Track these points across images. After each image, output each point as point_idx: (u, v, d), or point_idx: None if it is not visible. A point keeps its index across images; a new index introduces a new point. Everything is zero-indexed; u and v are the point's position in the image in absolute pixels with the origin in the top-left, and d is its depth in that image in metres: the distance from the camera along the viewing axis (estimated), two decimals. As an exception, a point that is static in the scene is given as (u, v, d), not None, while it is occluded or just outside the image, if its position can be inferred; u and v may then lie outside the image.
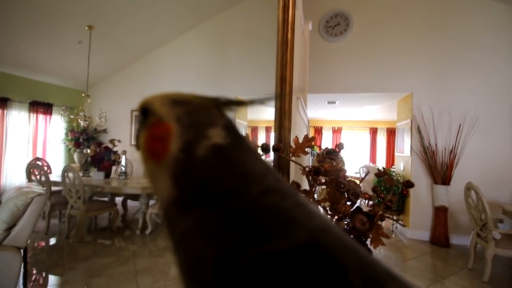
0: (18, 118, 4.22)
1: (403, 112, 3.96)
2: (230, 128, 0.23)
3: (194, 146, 0.20)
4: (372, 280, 0.14)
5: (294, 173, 0.84)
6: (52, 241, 3.19)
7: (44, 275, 2.40)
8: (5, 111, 4.02)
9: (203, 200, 0.18)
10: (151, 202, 3.65)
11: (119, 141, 4.12)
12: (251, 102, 0.26)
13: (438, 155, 3.38)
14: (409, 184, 0.69)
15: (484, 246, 2.45)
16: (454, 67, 3.45)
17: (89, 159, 3.84)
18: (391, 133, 7.56)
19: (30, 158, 4.17)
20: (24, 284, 2.09)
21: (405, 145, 3.87)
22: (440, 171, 3.34)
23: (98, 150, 3.78)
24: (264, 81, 3.98)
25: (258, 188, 0.18)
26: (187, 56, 4.62)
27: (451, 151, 3.33)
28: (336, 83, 3.87)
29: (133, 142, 4.96)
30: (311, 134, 7.37)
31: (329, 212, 0.63)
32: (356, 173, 6.06)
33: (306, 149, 0.73)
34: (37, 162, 3.93)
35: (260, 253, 0.14)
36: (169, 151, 0.21)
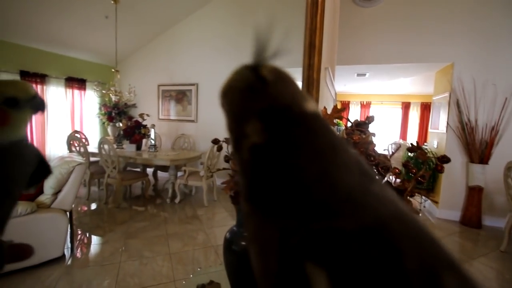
0: (56, 94, 4.50)
1: (441, 85, 3.65)
2: (271, 112, 0.19)
3: (239, 147, 0.20)
4: (428, 268, 0.14)
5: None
6: (93, 206, 3.52)
7: (87, 235, 2.68)
8: (44, 87, 4.30)
9: (250, 197, 0.19)
10: (179, 173, 3.84)
11: (148, 115, 4.28)
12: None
13: (478, 132, 3.12)
14: (444, 159, 0.64)
15: (522, 229, 2.31)
16: (501, 35, 3.04)
17: (121, 132, 4.07)
18: (426, 108, 7.06)
19: (69, 131, 4.50)
20: (72, 242, 2.36)
21: (440, 121, 3.61)
22: (478, 149, 3.11)
23: (129, 124, 3.97)
24: (290, 51, 3.82)
25: (305, 191, 0.17)
26: (209, 29, 4.53)
27: (492, 128, 3.06)
28: (367, 53, 3.61)
29: (161, 116, 5.13)
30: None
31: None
32: (385, 150, 5.83)
33: (334, 121, 0.71)
34: (76, 135, 4.23)
35: (325, 227, 0.15)
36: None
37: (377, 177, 0.19)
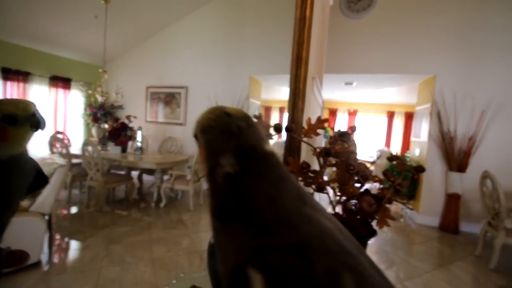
0: (39, 92, 4.36)
1: (424, 96, 3.80)
2: (241, 152, 0.25)
3: (213, 173, 0.26)
4: (332, 271, 0.20)
5: (306, 154, 0.85)
6: (74, 209, 3.40)
7: (67, 240, 2.59)
8: (27, 85, 4.16)
9: (220, 216, 0.25)
10: (166, 177, 3.79)
11: (134, 117, 4.21)
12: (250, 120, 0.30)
13: (456, 142, 3.27)
14: (420, 169, 0.68)
15: (494, 235, 2.43)
16: (481, 51, 3.22)
17: (106, 134, 3.98)
18: (409, 117, 7.32)
19: (52, 132, 4.35)
20: (49, 247, 2.27)
21: (422, 130, 3.76)
22: (456, 158, 3.25)
23: (115, 126, 3.89)
24: (280, 57, 3.89)
25: (259, 215, 0.24)
26: (201, 32, 4.54)
27: (470, 138, 3.21)
28: (355, 63, 3.72)
29: (148, 119, 5.06)
30: (325, 116, 7.25)
31: (337, 193, 0.64)
32: (371, 157, 5.98)
33: (319, 131, 0.74)
34: (58, 136, 4.10)
35: (263, 245, 0.21)
36: (204, 172, 0.27)
37: (310, 199, 0.26)
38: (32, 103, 0.35)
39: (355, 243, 0.24)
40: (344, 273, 0.21)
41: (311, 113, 1.07)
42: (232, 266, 0.22)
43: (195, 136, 0.30)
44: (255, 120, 0.29)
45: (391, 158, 0.84)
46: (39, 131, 0.36)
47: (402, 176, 0.79)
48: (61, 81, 4.66)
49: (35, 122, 0.35)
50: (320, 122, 0.64)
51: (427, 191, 3.49)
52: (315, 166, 0.71)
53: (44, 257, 2.15)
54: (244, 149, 0.26)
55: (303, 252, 0.21)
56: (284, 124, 0.79)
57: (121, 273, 2.04)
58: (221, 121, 0.27)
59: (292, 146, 0.74)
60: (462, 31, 3.28)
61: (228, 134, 0.26)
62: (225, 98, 4.27)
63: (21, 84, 4.07)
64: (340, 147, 0.64)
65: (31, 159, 0.38)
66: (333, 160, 0.67)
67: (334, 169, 0.77)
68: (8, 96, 3.96)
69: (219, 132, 0.26)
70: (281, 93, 6.12)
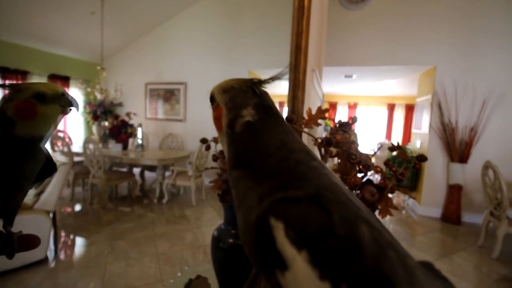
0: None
1: (424, 87, 3.78)
2: (260, 106, 0.30)
3: (234, 123, 0.29)
4: (348, 221, 0.22)
5: (306, 144, 0.85)
6: (77, 207, 3.43)
7: (72, 237, 2.62)
8: (26, 84, 4.16)
9: (239, 163, 0.28)
10: (167, 173, 3.80)
11: (134, 114, 4.21)
12: (274, 78, 0.33)
13: (458, 133, 3.26)
14: (422, 158, 0.68)
15: (497, 225, 2.43)
16: (482, 40, 3.19)
17: (107, 131, 3.98)
18: (410, 109, 7.28)
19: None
20: (55, 244, 2.30)
21: (423, 122, 3.74)
22: (458, 149, 3.25)
23: (115, 123, 3.90)
24: (278, 51, 3.86)
25: (274, 157, 0.27)
26: (198, 27, 4.51)
27: (471, 129, 3.20)
28: (355, 55, 3.69)
29: (148, 115, 5.05)
30: (325, 110, 7.19)
31: (339, 183, 0.65)
32: (371, 149, 5.97)
33: (319, 122, 0.73)
34: (59, 134, 4.11)
35: (282, 197, 0.24)
36: (223, 126, 0.30)
37: (315, 156, 0.29)
38: (59, 85, 0.36)
39: (360, 201, 0.26)
40: (360, 223, 0.22)
41: (312, 105, 1.07)
42: (254, 218, 0.24)
43: (211, 97, 0.33)
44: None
45: (393, 148, 0.84)
46: (71, 111, 0.37)
47: (404, 165, 0.79)
48: (59, 79, 4.65)
49: (65, 101, 0.35)
50: (321, 112, 0.64)
51: (428, 182, 3.49)
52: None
53: (50, 254, 2.18)
54: (263, 104, 0.31)
55: (320, 202, 0.23)
56: (284, 116, 0.78)
57: (127, 268, 2.06)
58: (244, 84, 0.31)
59: (293, 137, 0.74)
60: (463, 20, 3.24)
61: (250, 93, 0.31)
62: None
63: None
64: (341, 137, 0.64)
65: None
66: (334, 151, 0.67)
67: (335, 161, 0.77)
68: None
69: (242, 91, 0.31)
70: (281, 87, 6.04)
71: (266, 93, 0.33)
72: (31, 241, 0.36)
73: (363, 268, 0.20)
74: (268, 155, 0.27)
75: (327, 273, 0.20)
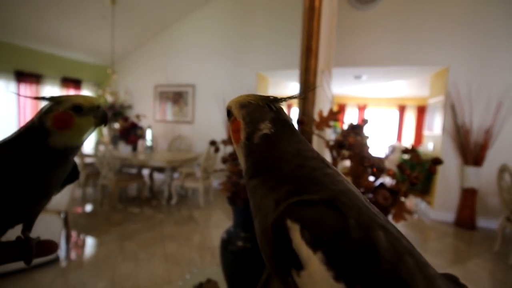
0: (51, 94, 4.46)
1: (437, 88, 3.70)
2: (276, 120, 0.32)
3: (252, 136, 0.31)
4: (364, 225, 0.23)
5: (317, 146, 0.84)
6: (88, 207, 3.49)
7: (82, 237, 2.66)
8: (39, 87, 4.27)
9: (258, 172, 0.30)
10: (176, 175, 3.83)
11: (144, 116, 4.26)
12: (290, 97, 0.35)
13: (472, 135, 3.17)
14: (437, 161, 0.66)
15: (514, 230, 2.35)
16: (496, 40, 3.09)
17: (117, 133, 4.05)
18: (421, 110, 7.13)
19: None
20: (66, 243, 2.34)
21: (435, 124, 3.66)
22: (472, 152, 3.15)
23: (125, 125, 3.95)
24: (287, 53, 3.85)
25: (290, 164, 0.28)
26: (207, 30, 4.54)
27: (487, 131, 3.10)
28: (364, 56, 3.64)
29: (157, 118, 5.12)
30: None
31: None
32: (382, 152, 5.87)
33: (330, 124, 0.72)
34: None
35: (298, 200, 0.25)
36: (241, 139, 0.32)
37: (330, 163, 0.30)
38: (98, 100, 0.38)
39: (376, 208, 0.27)
40: (376, 228, 0.23)
41: (321, 107, 1.05)
42: (271, 220, 0.25)
43: (228, 111, 0.35)
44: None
45: (406, 151, 0.81)
46: (102, 126, 0.38)
47: (418, 168, 0.76)
48: (72, 82, 4.76)
49: (99, 115, 0.37)
50: (333, 114, 0.63)
51: (441, 186, 3.40)
52: (328, 159, 0.70)
53: (61, 254, 2.22)
54: (279, 118, 0.33)
55: (335, 206, 0.24)
56: (295, 118, 0.77)
57: (136, 269, 2.08)
58: (261, 100, 0.34)
59: (303, 140, 0.73)
60: (476, 20, 3.16)
61: (266, 109, 0.33)
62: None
63: (34, 86, 4.18)
64: (353, 139, 0.62)
65: None
66: (346, 153, 0.65)
67: (346, 164, 0.75)
68: (22, 99, 4.08)
69: (259, 106, 0.33)
70: (289, 89, 6.07)
71: (281, 109, 0.35)
72: (48, 247, 0.37)
73: (379, 271, 0.21)
74: (285, 162, 0.29)
75: (342, 274, 0.21)
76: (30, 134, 0.34)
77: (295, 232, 0.23)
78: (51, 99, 0.35)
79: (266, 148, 0.30)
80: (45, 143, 0.33)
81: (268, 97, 0.34)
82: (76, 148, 0.36)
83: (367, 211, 0.25)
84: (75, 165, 0.40)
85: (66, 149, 0.34)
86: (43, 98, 0.35)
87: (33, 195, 0.34)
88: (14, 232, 0.37)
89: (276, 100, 0.34)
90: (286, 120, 0.33)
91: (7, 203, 0.32)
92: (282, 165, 0.28)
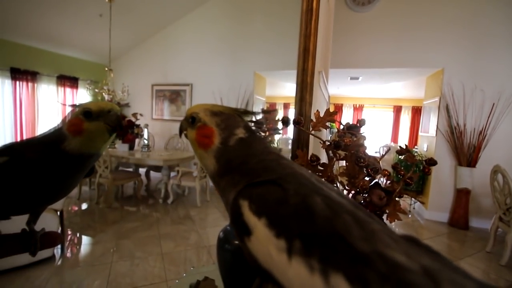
0: (47, 92, 4.43)
1: (432, 89, 3.74)
2: (248, 127, 0.37)
3: (228, 140, 0.35)
4: (301, 193, 0.26)
5: (313, 147, 0.85)
6: (84, 206, 3.47)
7: (78, 235, 2.65)
8: (35, 85, 4.23)
9: (229, 170, 0.33)
10: (172, 173, 3.82)
11: (141, 115, 4.24)
12: (253, 113, 0.39)
13: (466, 136, 3.21)
14: (431, 162, 0.67)
15: (506, 230, 2.39)
16: (490, 42, 3.14)
17: (114, 131, 4.02)
18: (416, 112, 7.21)
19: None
20: (61, 242, 2.32)
21: (430, 125, 3.70)
22: (466, 153, 3.20)
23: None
24: (284, 53, 3.86)
25: (256, 159, 0.33)
26: (205, 29, 4.54)
27: (480, 132, 3.15)
28: (361, 57, 3.67)
29: (154, 116, 5.10)
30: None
31: (346, 187, 0.64)
32: (376, 152, 5.92)
33: (327, 124, 0.73)
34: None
35: (251, 182, 0.30)
36: (214, 144, 0.35)
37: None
38: (116, 107, 0.37)
39: (330, 185, 0.31)
40: (313, 195, 0.26)
41: (318, 107, 1.07)
42: (230, 201, 0.30)
43: (193, 118, 0.37)
44: (264, 114, 0.40)
45: (401, 151, 0.83)
46: (117, 131, 0.37)
47: (412, 169, 0.78)
48: (68, 80, 4.72)
49: (111, 119, 0.35)
50: (329, 114, 0.64)
51: (435, 186, 3.45)
52: (323, 160, 0.71)
53: (57, 252, 2.21)
54: (248, 125, 0.37)
55: (278, 183, 0.28)
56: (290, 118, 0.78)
57: (131, 267, 2.08)
58: (232, 111, 0.37)
59: (300, 140, 0.74)
60: (471, 23, 3.20)
61: (238, 118, 0.37)
62: (230, 94, 4.26)
63: (30, 84, 4.14)
64: (349, 139, 0.63)
65: None
66: (342, 153, 0.66)
67: (342, 164, 0.76)
68: (18, 96, 4.04)
69: (232, 116, 0.37)
70: (286, 89, 6.09)
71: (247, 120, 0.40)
72: (53, 239, 0.38)
73: (314, 227, 0.23)
74: (253, 157, 0.33)
75: (282, 232, 0.24)
76: (51, 137, 0.34)
77: (245, 207, 0.27)
78: (76, 105, 0.36)
79: (241, 149, 0.34)
80: (60, 147, 0.33)
81: (237, 109, 0.38)
82: (92, 155, 0.36)
83: (311, 185, 0.28)
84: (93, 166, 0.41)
85: (82, 156, 0.35)
86: (73, 106, 0.36)
87: (48, 195, 0.35)
88: (18, 225, 0.37)
89: (246, 112, 0.38)
90: (253, 129, 0.38)
91: (21, 202, 0.33)
92: (249, 160, 0.33)
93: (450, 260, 0.23)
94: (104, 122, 0.35)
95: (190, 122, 0.38)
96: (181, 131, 0.41)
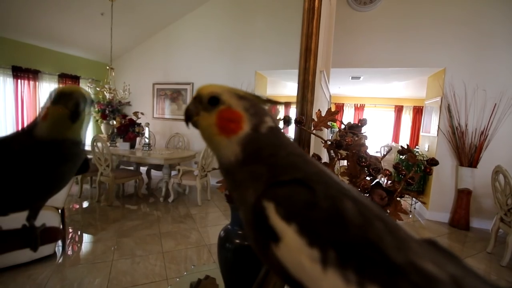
0: (49, 90, 4.44)
1: (433, 89, 3.73)
2: (273, 117, 0.34)
3: (259, 126, 0.31)
4: (331, 196, 0.25)
5: (314, 146, 0.85)
6: (85, 204, 3.48)
7: (79, 233, 2.66)
8: (37, 83, 4.23)
9: (255, 160, 0.30)
10: (173, 172, 3.83)
11: (142, 113, 4.25)
12: (279, 102, 0.37)
13: (467, 136, 3.20)
14: (433, 162, 0.67)
15: (507, 231, 2.38)
16: (493, 42, 3.12)
17: (115, 130, 4.03)
18: (418, 111, 7.19)
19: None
20: (63, 240, 2.33)
21: (432, 125, 3.69)
22: (467, 153, 3.19)
23: (123, 122, 3.94)
24: (285, 52, 3.86)
25: (284, 152, 0.30)
26: (206, 28, 4.53)
27: (482, 132, 3.14)
28: (362, 57, 3.66)
29: (155, 115, 5.10)
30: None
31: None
32: (377, 152, 5.91)
33: (328, 123, 0.73)
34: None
35: (275, 181, 0.27)
36: (242, 129, 0.31)
37: (308, 156, 0.33)
38: (81, 91, 0.34)
39: (353, 188, 0.29)
40: (343, 198, 0.25)
41: (320, 107, 1.06)
42: (251, 203, 0.27)
43: (214, 99, 0.33)
44: (274, 104, 0.37)
45: (402, 151, 0.83)
46: (78, 117, 0.34)
47: (414, 169, 0.78)
48: (69, 78, 4.73)
49: (67, 100, 0.32)
50: (331, 114, 0.64)
51: (436, 187, 3.44)
52: (325, 159, 0.71)
53: (58, 250, 2.22)
54: (273, 116, 0.35)
55: (305, 183, 0.26)
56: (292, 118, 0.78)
57: (132, 265, 2.08)
58: (256, 98, 0.34)
59: (301, 139, 0.74)
60: (473, 22, 3.19)
61: (262, 106, 0.34)
62: None
63: (32, 82, 4.15)
64: (351, 139, 0.63)
65: (84, 149, 0.39)
66: (343, 153, 0.66)
67: (342, 164, 0.76)
68: (19, 94, 4.05)
69: (256, 102, 0.33)
70: (287, 88, 6.08)
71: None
72: (53, 234, 0.37)
73: (348, 235, 0.22)
74: (282, 149, 0.31)
75: (314, 240, 0.23)
76: (30, 124, 0.34)
77: (271, 210, 0.25)
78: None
79: (271, 138, 0.31)
80: (33, 134, 0.32)
81: (260, 96, 0.35)
82: (62, 142, 0.34)
83: (338, 186, 0.27)
84: (86, 159, 0.40)
85: (53, 142, 0.33)
86: None
87: (36, 188, 0.34)
88: (20, 222, 0.37)
89: (269, 101, 0.35)
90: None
91: (12, 195, 0.33)
92: (278, 152, 0.30)
93: (468, 264, 0.25)
94: (64, 106, 0.33)
95: (208, 104, 0.33)
96: (189, 118, 0.35)
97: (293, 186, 0.26)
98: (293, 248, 0.23)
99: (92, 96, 3.93)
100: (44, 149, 0.33)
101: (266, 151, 0.30)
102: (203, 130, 0.33)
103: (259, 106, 0.33)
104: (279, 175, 0.28)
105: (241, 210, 0.30)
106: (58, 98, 0.33)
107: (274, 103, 0.36)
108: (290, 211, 0.24)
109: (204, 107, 0.33)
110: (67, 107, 0.33)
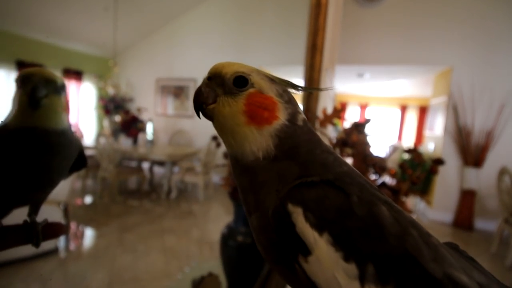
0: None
1: (440, 88, 3.68)
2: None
3: (295, 117, 0.27)
4: (366, 201, 0.23)
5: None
6: (88, 199, 3.50)
7: (82, 228, 2.67)
8: (42, 78, 4.25)
9: (290, 157, 0.26)
10: (176, 169, 3.83)
11: (145, 109, 4.25)
12: (314, 88, 0.34)
13: (474, 136, 3.16)
14: (439, 161, 0.66)
15: (512, 232, 2.36)
16: (501, 42, 3.07)
17: (118, 126, 4.04)
18: (423, 110, 7.11)
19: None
20: (66, 235, 2.35)
21: (437, 124, 3.65)
22: (473, 153, 3.15)
23: (126, 118, 3.95)
24: (291, 48, 3.82)
25: (319, 149, 0.27)
26: (210, 23, 4.51)
27: (488, 133, 3.10)
28: (368, 54, 3.62)
29: (158, 111, 5.10)
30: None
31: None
32: (381, 151, 5.87)
33: (333, 121, 0.72)
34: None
35: (305, 181, 0.24)
36: (278, 119, 0.26)
37: (337, 155, 0.29)
38: (40, 72, 0.30)
39: (377, 188, 0.27)
40: (378, 202, 0.23)
41: (325, 104, 1.05)
42: (272, 209, 0.24)
43: (242, 79, 0.27)
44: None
45: (408, 151, 0.81)
46: (35, 104, 0.31)
47: (420, 168, 0.76)
48: (73, 73, 4.73)
49: (23, 83, 0.30)
50: (336, 112, 0.62)
51: (440, 186, 3.41)
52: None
53: (60, 244, 2.23)
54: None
55: (337, 186, 0.23)
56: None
57: (134, 261, 2.09)
58: (284, 82, 0.29)
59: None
60: (481, 21, 3.13)
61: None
62: None
63: (36, 77, 4.17)
64: (357, 137, 0.62)
65: (75, 140, 0.37)
66: (349, 151, 0.65)
67: (348, 162, 0.75)
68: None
69: (289, 87, 0.29)
70: (291, 85, 6.03)
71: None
72: (56, 229, 0.37)
73: (387, 247, 0.21)
74: (318, 145, 0.28)
75: (351, 254, 0.20)
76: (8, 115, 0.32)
77: (298, 216, 0.22)
78: None
79: (307, 131, 0.27)
80: (7, 124, 0.31)
81: (288, 81, 0.29)
82: (32, 130, 0.31)
83: (370, 188, 0.24)
84: (82, 153, 0.38)
85: (20, 130, 0.31)
86: None
87: (23, 179, 0.32)
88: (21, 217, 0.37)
89: (303, 88, 0.30)
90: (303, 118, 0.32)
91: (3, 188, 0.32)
92: (315, 149, 0.27)
93: (486, 270, 0.25)
94: (23, 91, 0.30)
95: (233, 85, 0.27)
96: (202, 104, 0.29)
97: (324, 188, 0.23)
98: (327, 262, 0.20)
99: (95, 91, 3.90)
100: (14, 139, 0.31)
101: (303, 148, 0.26)
102: (224, 119, 0.27)
103: (290, 92, 0.29)
104: (308, 176, 0.24)
105: (255, 216, 0.26)
106: (18, 83, 0.31)
107: (308, 89, 0.33)
108: (322, 218, 0.21)
109: (227, 89, 0.27)
110: (25, 92, 0.30)
